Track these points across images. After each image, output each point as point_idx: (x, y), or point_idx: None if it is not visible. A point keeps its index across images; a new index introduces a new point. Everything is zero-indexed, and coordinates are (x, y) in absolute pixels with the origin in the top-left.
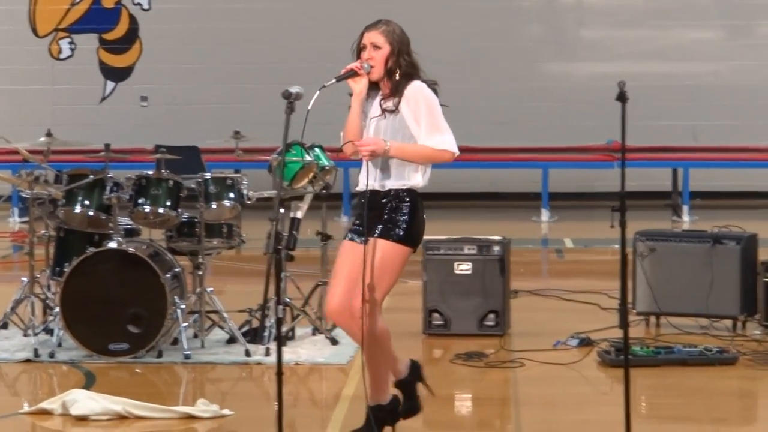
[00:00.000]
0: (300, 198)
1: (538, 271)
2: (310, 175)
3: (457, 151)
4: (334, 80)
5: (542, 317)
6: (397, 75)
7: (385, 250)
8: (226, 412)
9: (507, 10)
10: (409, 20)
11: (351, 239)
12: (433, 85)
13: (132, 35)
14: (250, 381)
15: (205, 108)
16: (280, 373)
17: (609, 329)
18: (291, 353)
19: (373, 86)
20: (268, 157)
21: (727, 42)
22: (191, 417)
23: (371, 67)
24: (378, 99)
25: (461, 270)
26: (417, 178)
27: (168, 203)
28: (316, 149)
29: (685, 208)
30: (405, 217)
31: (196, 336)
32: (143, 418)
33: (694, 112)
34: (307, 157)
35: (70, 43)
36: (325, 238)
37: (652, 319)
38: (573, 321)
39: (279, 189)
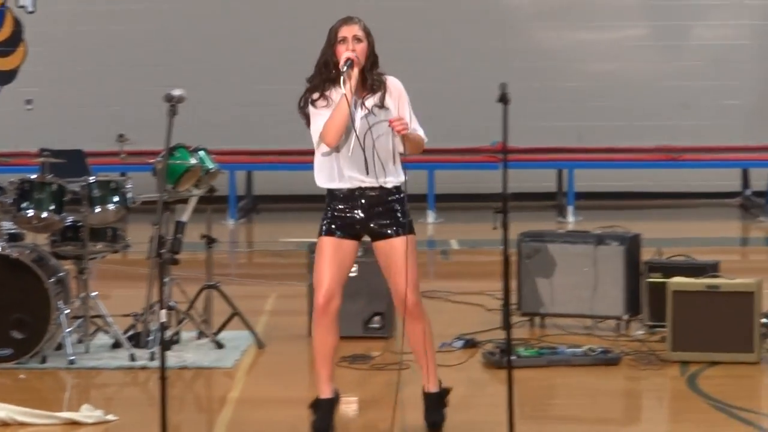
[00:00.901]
0: (185, 201)
1: (423, 273)
2: (195, 178)
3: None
4: (344, 69)
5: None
6: (376, 68)
7: (410, 242)
8: (110, 417)
9: (390, 11)
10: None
11: (335, 234)
12: None
13: (16, 38)
14: (135, 386)
15: (90, 111)
16: (163, 378)
17: (493, 330)
18: (176, 357)
19: (337, 78)
20: (152, 160)
21: (611, 44)
22: (75, 423)
23: (357, 57)
24: (341, 92)
25: None
26: (402, 173)
27: (52, 207)
28: (201, 152)
29: (570, 209)
30: (405, 208)
31: (80, 341)
32: (27, 424)
33: (579, 113)
34: (192, 160)
35: None
36: (210, 241)
37: (537, 319)
38: (458, 322)
39: (162, 192)
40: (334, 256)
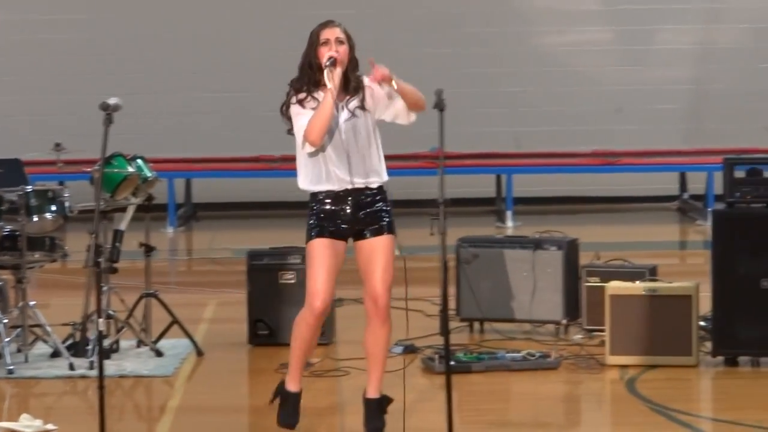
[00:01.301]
0: (123, 210)
1: (358, 279)
2: (133, 187)
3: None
4: (328, 64)
5: (365, 323)
6: (356, 72)
7: (392, 243)
8: (50, 427)
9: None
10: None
11: (327, 236)
12: None
13: None
14: (75, 395)
15: (26, 120)
16: (102, 387)
17: (432, 336)
18: (115, 366)
19: (317, 79)
20: (90, 169)
21: (548, 49)
22: None
23: (340, 57)
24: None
25: (285, 279)
26: (386, 172)
27: None
28: (138, 160)
29: (509, 214)
30: (389, 209)
31: (19, 350)
32: None
33: (516, 118)
34: (129, 169)
35: None
36: (149, 249)
37: (476, 325)
38: (397, 328)
39: (99, 201)
40: (328, 259)
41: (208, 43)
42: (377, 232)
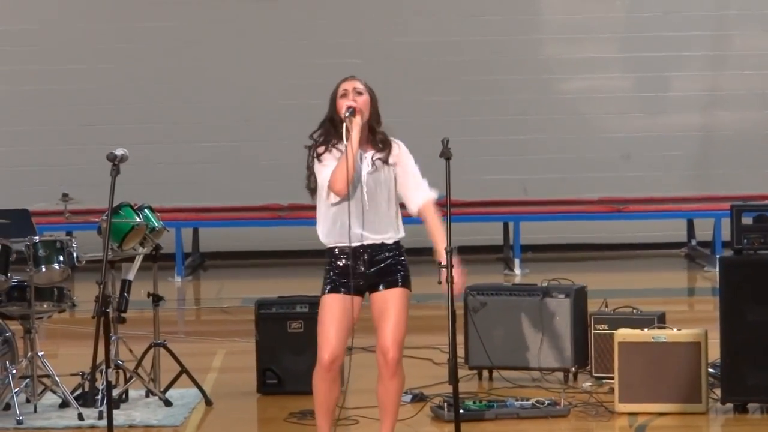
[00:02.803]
0: (130, 260)
1: (371, 328)
2: (141, 237)
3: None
4: (347, 114)
5: (377, 374)
6: (380, 127)
7: (405, 297)
8: None
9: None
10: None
11: (340, 291)
12: None
13: None
14: None
15: (33, 170)
16: None
17: (441, 384)
18: (124, 416)
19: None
20: (97, 219)
21: (555, 96)
22: None
23: (359, 107)
24: (346, 146)
25: (294, 328)
26: (402, 228)
27: None
28: (146, 210)
29: (517, 262)
30: (405, 263)
31: (28, 401)
32: None
33: (523, 165)
34: (137, 219)
35: None
36: (157, 299)
37: (485, 373)
38: (407, 376)
39: (106, 251)
40: (340, 314)
41: (214, 93)
42: (391, 285)
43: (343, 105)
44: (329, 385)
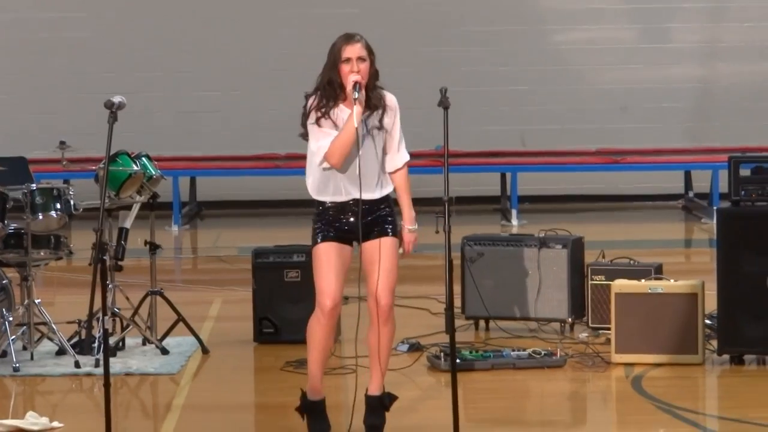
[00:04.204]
0: (128, 208)
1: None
2: (138, 185)
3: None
4: (356, 94)
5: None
6: (377, 86)
7: (396, 246)
8: (56, 424)
9: (322, 18)
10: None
11: (333, 239)
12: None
13: None
14: (81, 392)
15: (31, 118)
16: (108, 384)
17: (438, 334)
18: (121, 364)
19: (340, 95)
20: (94, 167)
21: (553, 47)
22: (20, 430)
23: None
24: (348, 110)
25: (291, 277)
26: (390, 183)
27: None
28: (143, 158)
29: (514, 212)
30: (394, 214)
31: (25, 348)
32: None
33: (522, 116)
34: (134, 167)
35: None
36: (154, 247)
37: (482, 323)
38: (403, 326)
39: (103, 199)
40: (335, 260)
41: (212, 41)
42: (381, 234)
43: (345, 73)
44: (328, 332)
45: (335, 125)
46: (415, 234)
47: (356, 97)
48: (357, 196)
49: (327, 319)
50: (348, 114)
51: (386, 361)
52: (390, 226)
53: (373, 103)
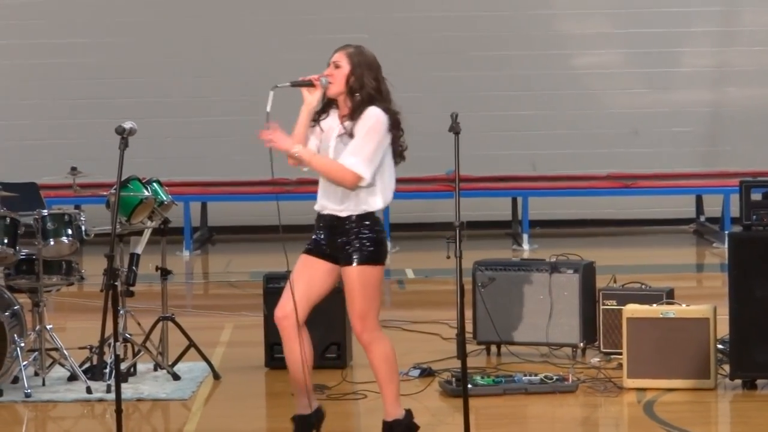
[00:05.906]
0: (139, 233)
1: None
2: (149, 210)
3: (365, 176)
4: (288, 84)
5: None
6: (358, 96)
7: (358, 274)
8: None
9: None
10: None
11: (309, 252)
12: (395, 114)
13: None
14: (93, 418)
15: (42, 144)
16: (119, 410)
17: (449, 359)
18: (132, 389)
19: (334, 104)
20: (106, 193)
21: (564, 71)
22: None
23: (329, 83)
24: (337, 119)
25: None
26: (376, 202)
27: (5, 240)
28: (154, 184)
29: (525, 237)
30: (372, 235)
31: (36, 374)
32: None
33: (532, 141)
34: (145, 192)
35: None
36: (165, 273)
37: (493, 348)
38: (415, 351)
39: (114, 224)
40: (301, 272)
41: (223, 67)
42: (346, 262)
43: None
44: (289, 345)
45: (322, 131)
46: (286, 144)
47: (296, 81)
48: (324, 210)
49: (282, 330)
50: (332, 120)
51: (384, 385)
52: (356, 255)
53: (351, 113)
